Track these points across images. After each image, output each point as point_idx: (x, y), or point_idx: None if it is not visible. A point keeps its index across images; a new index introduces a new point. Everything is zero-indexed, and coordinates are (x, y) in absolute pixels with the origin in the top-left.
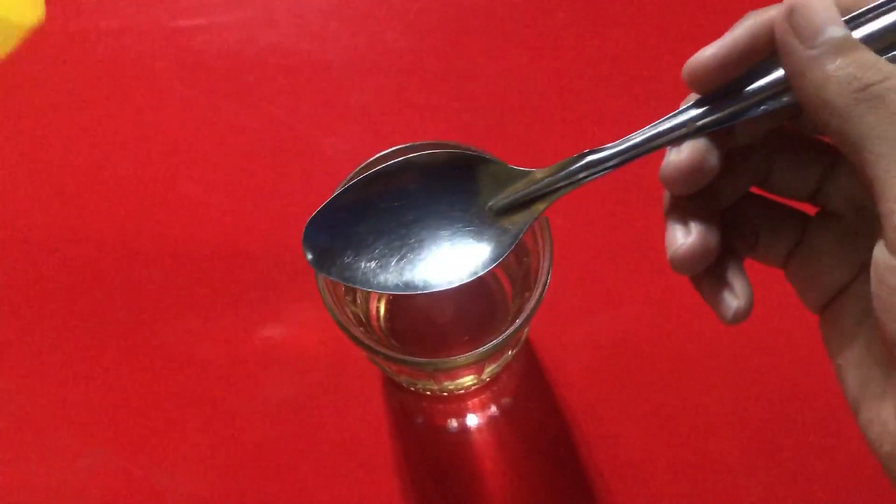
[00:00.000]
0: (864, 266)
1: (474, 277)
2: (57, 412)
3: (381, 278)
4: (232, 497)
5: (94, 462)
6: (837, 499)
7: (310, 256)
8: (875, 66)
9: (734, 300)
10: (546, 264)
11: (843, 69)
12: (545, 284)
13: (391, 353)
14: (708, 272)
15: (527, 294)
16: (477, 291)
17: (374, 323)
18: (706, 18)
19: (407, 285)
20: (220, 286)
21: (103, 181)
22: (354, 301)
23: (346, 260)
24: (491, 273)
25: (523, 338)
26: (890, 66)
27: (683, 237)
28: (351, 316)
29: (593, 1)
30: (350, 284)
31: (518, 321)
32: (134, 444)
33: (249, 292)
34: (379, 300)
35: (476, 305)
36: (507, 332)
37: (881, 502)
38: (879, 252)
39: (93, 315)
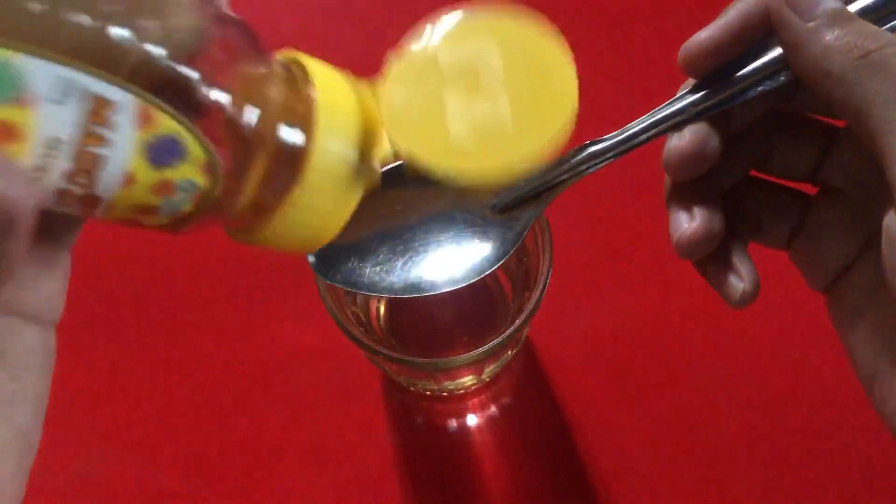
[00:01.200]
0: (869, 241)
1: (482, 276)
2: (56, 413)
3: (387, 283)
4: (231, 496)
5: (94, 462)
6: (837, 489)
7: (314, 263)
8: (874, 33)
9: (740, 283)
10: (546, 264)
11: (842, 38)
12: (545, 284)
13: (391, 353)
14: (712, 257)
15: (527, 294)
16: (477, 291)
17: (374, 323)
18: (707, 14)
19: (414, 288)
20: (219, 286)
21: None
22: (354, 301)
23: (351, 266)
24: (491, 273)
25: (523, 338)
26: (888, 34)
27: (687, 222)
28: (351, 316)
29: (593, 1)
30: (356, 290)
31: (518, 321)
32: (133, 444)
33: (249, 293)
34: (379, 300)
35: (476, 305)
36: (507, 332)
37: (882, 496)
38: (890, 220)
39: (92, 315)
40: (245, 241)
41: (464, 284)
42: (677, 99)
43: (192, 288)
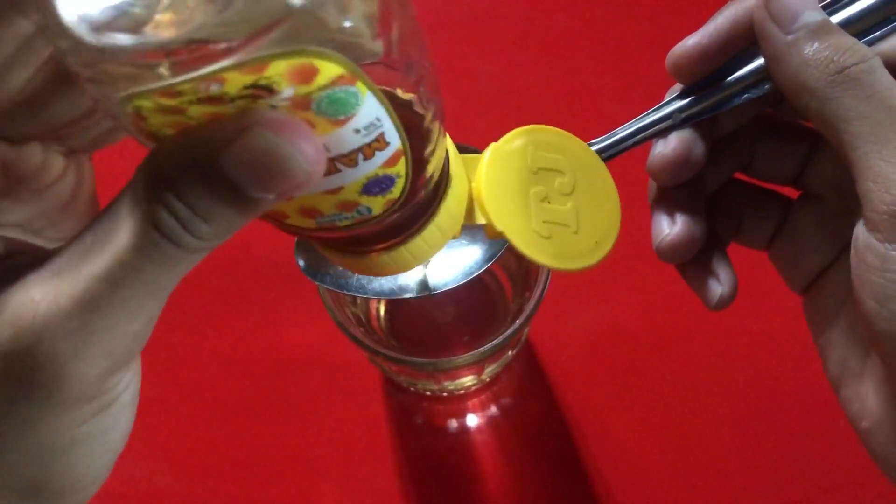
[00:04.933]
0: (846, 247)
1: (469, 278)
2: None
3: (376, 284)
4: (232, 497)
5: None
6: (836, 487)
7: (302, 265)
8: (851, 48)
9: (718, 287)
10: None
11: (820, 52)
12: (545, 284)
13: (391, 354)
14: (693, 259)
15: (527, 294)
16: (477, 291)
17: (374, 323)
18: (708, 14)
19: (402, 289)
20: (220, 286)
21: (103, 182)
22: (354, 302)
23: (340, 269)
24: (491, 273)
25: (523, 338)
26: (866, 49)
27: (669, 227)
28: (351, 316)
29: (593, 2)
30: (345, 292)
31: (518, 321)
32: (134, 444)
33: (250, 293)
34: (379, 301)
35: (476, 305)
36: (507, 332)
37: (879, 489)
38: (859, 230)
39: None
40: (337, 260)
41: (452, 287)
42: (664, 105)
43: (191, 288)
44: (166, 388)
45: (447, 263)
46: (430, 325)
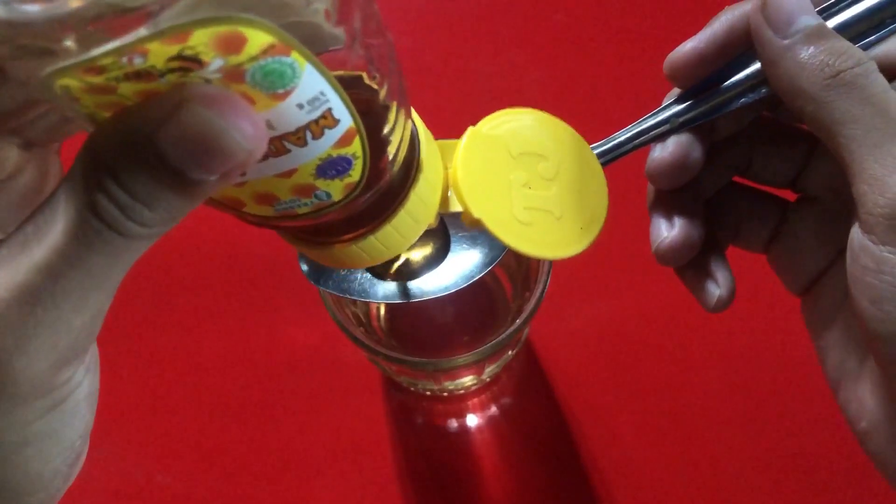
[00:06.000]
0: (843, 249)
1: (470, 282)
2: None
3: (378, 288)
4: (232, 497)
5: (94, 462)
6: (835, 487)
7: (306, 270)
8: (846, 52)
9: (716, 289)
10: (546, 264)
11: (815, 57)
12: (545, 284)
13: (391, 353)
14: (691, 262)
15: (527, 294)
16: (477, 291)
17: (374, 323)
18: (704, 17)
19: (404, 294)
20: (220, 286)
21: None
22: (355, 302)
23: (342, 272)
24: (491, 273)
25: (523, 338)
26: (861, 53)
27: (667, 230)
28: (351, 316)
29: (592, 2)
30: (347, 296)
31: (518, 321)
32: (133, 443)
33: (250, 292)
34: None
35: (476, 305)
36: (507, 332)
37: (876, 490)
38: (855, 232)
39: None
40: (306, 251)
41: (453, 291)
42: (661, 109)
43: (192, 288)
44: (166, 388)
45: (447, 267)
46: (430, 325)
